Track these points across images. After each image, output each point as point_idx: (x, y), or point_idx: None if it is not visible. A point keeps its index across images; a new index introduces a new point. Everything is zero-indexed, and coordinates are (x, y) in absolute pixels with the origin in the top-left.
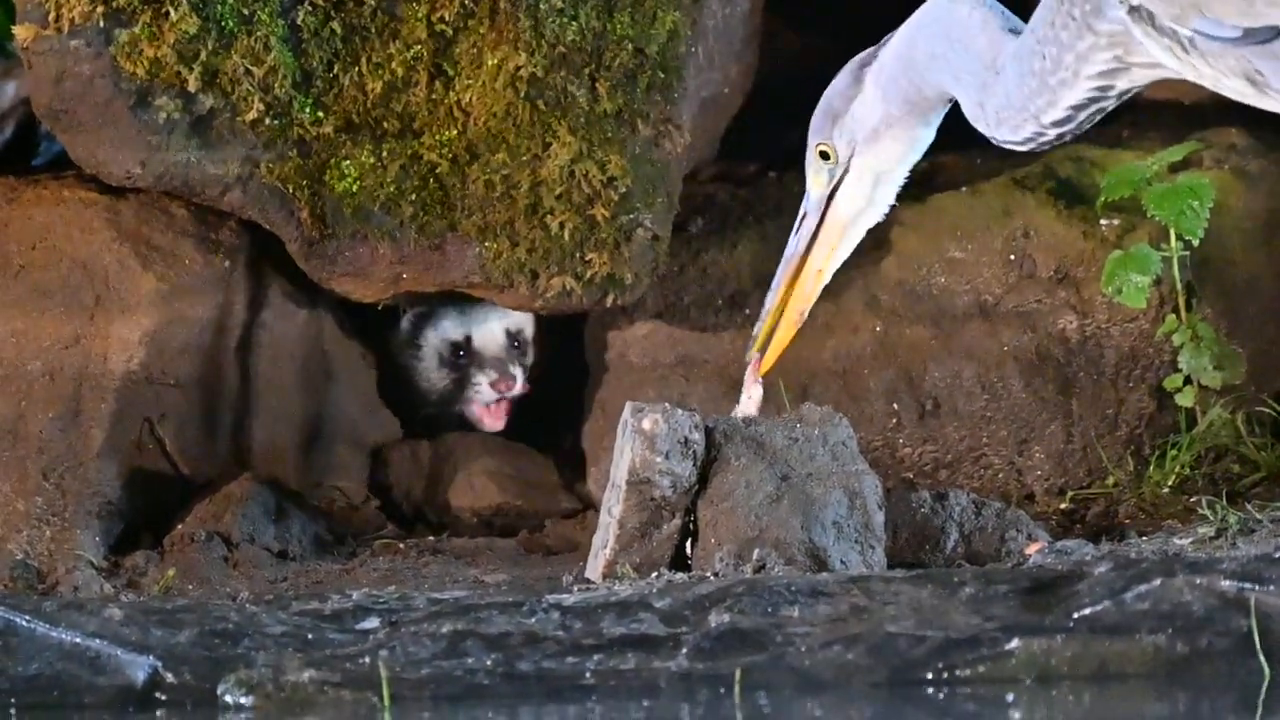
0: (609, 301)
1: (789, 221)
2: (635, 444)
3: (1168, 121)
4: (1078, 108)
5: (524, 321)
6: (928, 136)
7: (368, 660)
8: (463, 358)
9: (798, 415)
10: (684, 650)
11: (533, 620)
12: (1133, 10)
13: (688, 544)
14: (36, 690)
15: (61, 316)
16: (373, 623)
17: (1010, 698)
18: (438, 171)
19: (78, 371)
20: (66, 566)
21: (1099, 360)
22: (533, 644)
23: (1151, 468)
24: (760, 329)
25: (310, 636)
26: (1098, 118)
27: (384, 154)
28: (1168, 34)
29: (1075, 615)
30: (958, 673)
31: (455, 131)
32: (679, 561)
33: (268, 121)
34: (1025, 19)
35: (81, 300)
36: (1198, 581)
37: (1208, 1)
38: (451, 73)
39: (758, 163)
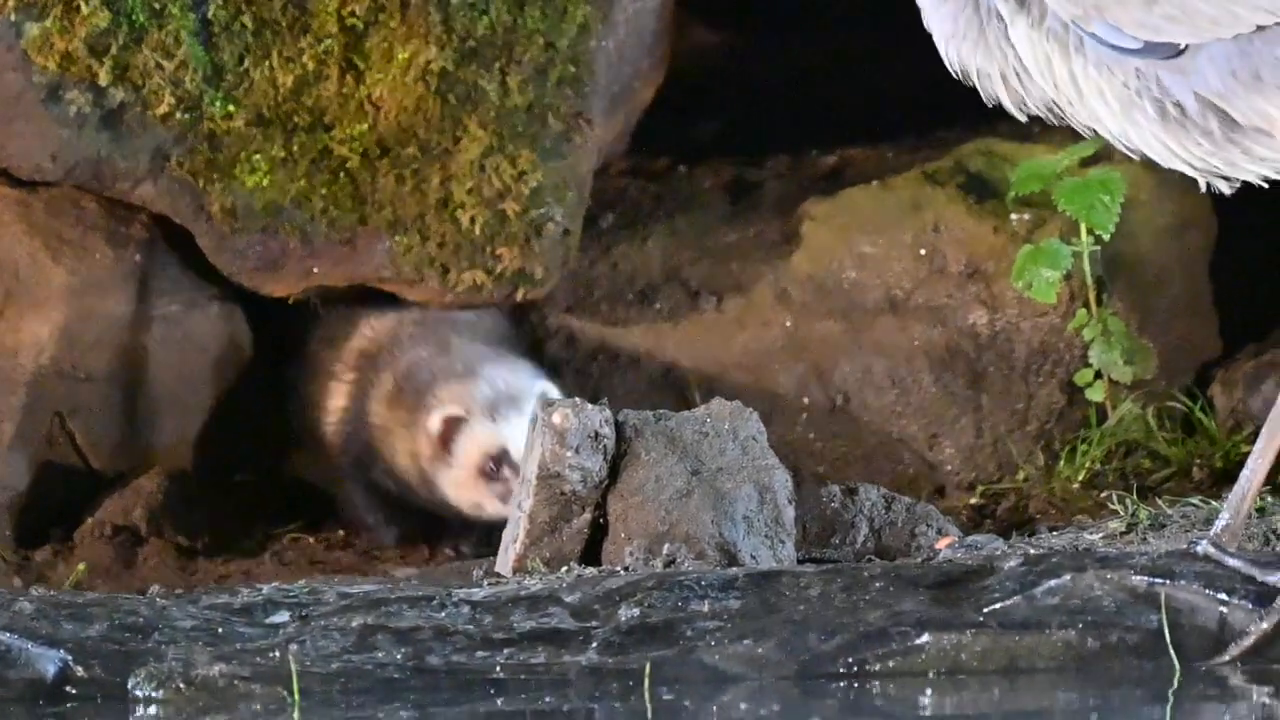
0: (519, 296)
1: (699, 215)
2: (545, 438)
3: None
4: None
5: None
6: None
7: (277, 654)
8: (499, 471)
9: (708, 410)
10: (594, 645)
11: (443, 614)
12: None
13: (599, 538)
14: None
15: None
16: (282, 617)
17: (920, 692)
18: (348, 166)
19: None
20: None
21: (1009, 355)
22: (443, 638)
23: (1062, 462)
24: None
25: (220, 630)
26: None
27: (295, 148)
28: (1055, 35)
29: (985, 610)
30: (868, 667)
31: (366, 126)
32: (589, 556)
33: (178, 115)
34: None
35: None
36: (1108, 576)
37: (1107, 5)
38: (362, 66)
39: (668, 157)
